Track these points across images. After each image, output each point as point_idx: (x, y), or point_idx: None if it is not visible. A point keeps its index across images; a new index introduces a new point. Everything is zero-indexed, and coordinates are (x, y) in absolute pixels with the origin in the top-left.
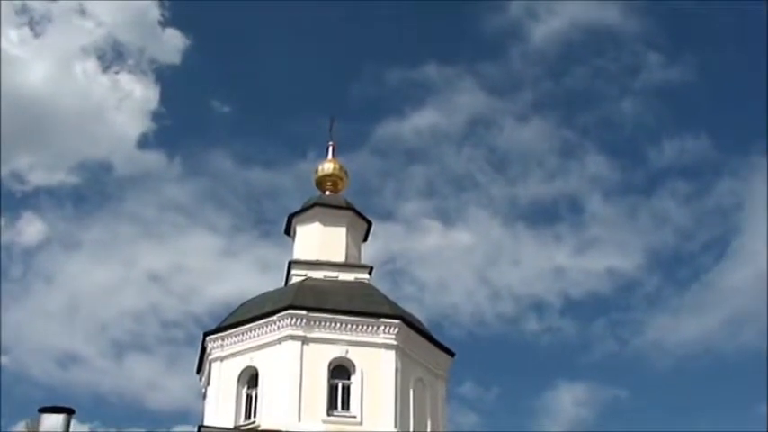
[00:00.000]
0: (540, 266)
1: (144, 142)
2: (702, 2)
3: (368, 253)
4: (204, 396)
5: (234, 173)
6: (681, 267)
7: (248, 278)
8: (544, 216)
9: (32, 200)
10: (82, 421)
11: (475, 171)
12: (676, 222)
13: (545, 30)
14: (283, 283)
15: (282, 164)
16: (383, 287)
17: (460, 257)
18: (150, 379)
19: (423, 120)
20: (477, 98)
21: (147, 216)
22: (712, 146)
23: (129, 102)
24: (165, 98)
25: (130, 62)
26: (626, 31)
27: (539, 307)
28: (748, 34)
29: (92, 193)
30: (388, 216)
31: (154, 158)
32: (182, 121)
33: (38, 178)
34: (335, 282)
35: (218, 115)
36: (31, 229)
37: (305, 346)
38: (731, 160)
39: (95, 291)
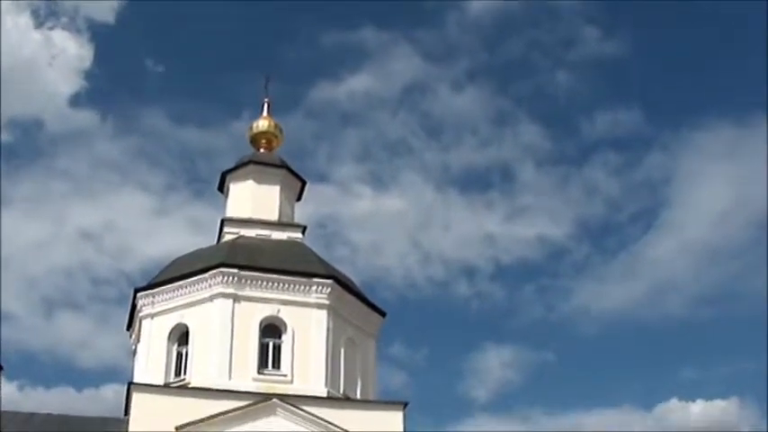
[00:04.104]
0: (472, 232)
1: (76, 100)
2: None
3: (301, 214)
4: (134, 353)
5: (168, 132)
6: (609, 237)
7: (181, 237)
8: (476, 183)
9: None
10: (10, 379)
11: (409, 136)
12: (606, 193)
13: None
14: (215, 242)
15: (217, 123)
16: (316, 248)
17: (393, 221)
18: (80, 337)
19: (358, 84)
20: (414, 64)
21: (79, 173)
22: (644, 120)
23: (63, 59)
24: (99, 57)
25: (64, 19)
26: (563, 5)
27: (469, 272)
28: (683, 11)
29: (23, 149)
30: (321, 178)
31: (86, 117)
32: (115, 80)
33: None
34: (268, 240)
35: (152, 74)
36: None
37: (236, 305)
38: (662, 134)
39: (26, 247)
